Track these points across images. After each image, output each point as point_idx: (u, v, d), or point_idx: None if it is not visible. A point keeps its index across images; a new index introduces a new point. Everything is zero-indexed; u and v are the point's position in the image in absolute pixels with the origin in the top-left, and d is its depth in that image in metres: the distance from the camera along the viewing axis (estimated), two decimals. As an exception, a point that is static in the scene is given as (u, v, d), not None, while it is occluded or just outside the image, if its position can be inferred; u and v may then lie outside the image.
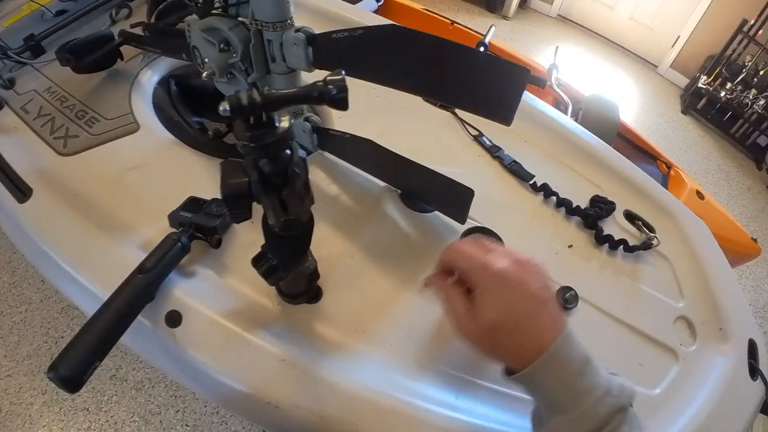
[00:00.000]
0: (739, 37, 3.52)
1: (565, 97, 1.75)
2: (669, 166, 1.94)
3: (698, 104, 3.90)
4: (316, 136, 0.84)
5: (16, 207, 0.77)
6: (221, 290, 0.68)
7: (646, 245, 0.90)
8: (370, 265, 0.75)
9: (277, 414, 0.60)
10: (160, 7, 0.99)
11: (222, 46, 0.71)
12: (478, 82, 0.57)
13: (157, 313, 0.65)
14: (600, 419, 0.48)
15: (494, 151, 0.97)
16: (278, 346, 0.63)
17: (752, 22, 3.44)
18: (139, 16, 1.14)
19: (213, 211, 0.72)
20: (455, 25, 2.28)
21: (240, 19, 0.71)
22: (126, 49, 0.99)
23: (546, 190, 0.92)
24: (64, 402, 1.71)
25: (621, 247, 0.88)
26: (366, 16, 1.21)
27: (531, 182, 0.93)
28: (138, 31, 0.98)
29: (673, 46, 4.22)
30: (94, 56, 0.94)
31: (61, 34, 1.08)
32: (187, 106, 1.00)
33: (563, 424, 0.49)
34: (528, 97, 1.09)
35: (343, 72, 0.41)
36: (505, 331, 0.51)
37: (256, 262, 0.56)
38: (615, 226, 0.93)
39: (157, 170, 0.84)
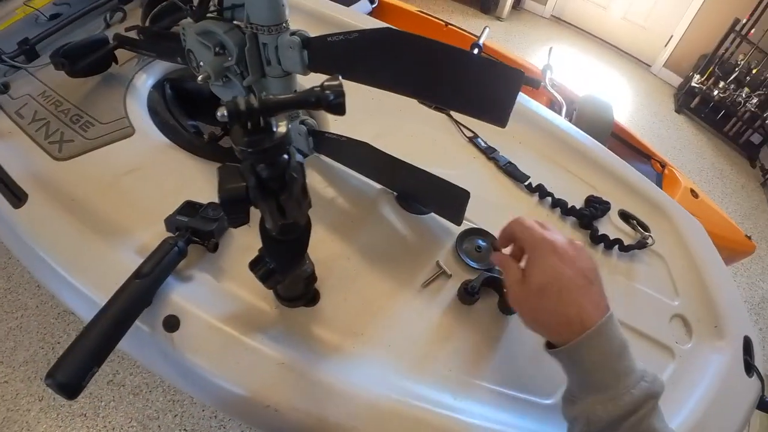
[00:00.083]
0: (732, 36, 3.53)
1: (560, 98, 1.76)
2: (663, 165, 1.95)
3: (692, 103, 3.91)
4: (311, 139, 0.84)
5: (11, 212, 0.77)
6: (219, 294, 0.68)
7: (641, 244, 0.90)
8: (367, 268, 0.76)
9: (275, 417, 0.60)
10: (155, 10, 0.99)
11: (217, 49, 0.71)
12: (473, 85, 0.57)
13: (155, 318, 0.65)
14: (634, 402, 0.50)
15: (489, 153, 0.98)
16: (276, 349, 0.63)
17: (744, 21, 3.45)
18: (134, 20, 1.14)
19: (209, 215, 0.72)
20: (449, 26, 2.28)
21: (235, 22, 0.71)
22: (120, 53, 0.99)
23: (541, 191, 0.92)
24: (61, 408, 1.70)
25: (616, 246, 0.89)
26: (360, 18, 1.21)
27: (526, 183, 0.94)
28: (133, 34, 0.98)
29: (666, 45, 4.24)
30: (89, 60, 0.94)
31: (55, 38, 1.08)
32: (182, 110, 1.00)
33: (598, 403, 0.51)
34: (522, 98, 1.10)
35: (340, 78, 0.41)
36: (551, 295, 0.54)
37: (254, 265, 0.56)
38: (610, 226, 0.94)
39: (152, 174, 0.84)
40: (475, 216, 0.83)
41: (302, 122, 0.84)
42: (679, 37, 4.10)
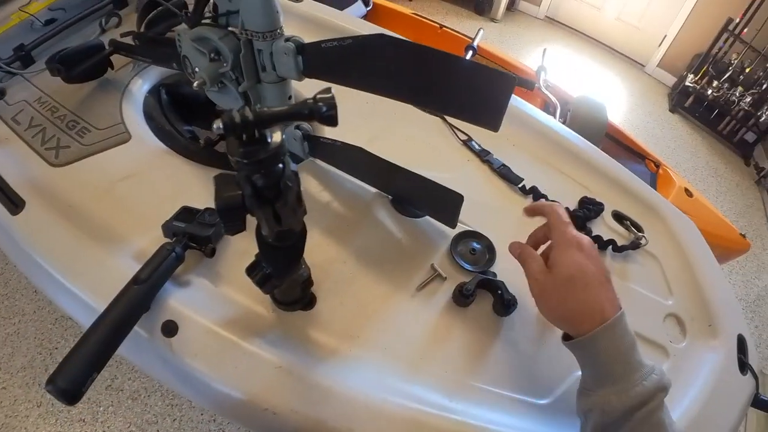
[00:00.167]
0: (725, 35, 3.55)
1: (554, 99, 1.77)
2: (657, 165, 1.96)
3: (686, 102, 3.93)
4: (306, 143, 0.85)
5: (8, 219, 0.77)
6: (216, 299, 0.69)
7: (635, 245, 0.91)
8: (362, 271, 0.76)
9: (274, 420, 0.61)
10: (150, 16, 1.00)
11: (212, 55, 0.72)
12: (465, 90, 0.58)
13: (153, 323, 0.65)
14: (646, 393, 0.53)
15: (483, 156, 0.98)
16: (274, 353, 0.64)
17: (737, 20, 3.47)
18: (129, 25, 1.14)
19: (206, 221, 0.72)
20: (443, 28, 2.29)
21: (230, 28, 0.71)
22: (116, 59, 1.00)
23: (535, 193, 0.93)
24: (60, 414, 1.70)
25: (610, 247, 0.89)
26: (354, 22, 1.22)
27: (520, 185, 0.95)
28: (128, 40, 0.98)
29: (660, 45, 4.25)
30: (85, 66, 0.94)
31: (50, 44, 1.08)
32: (178, 115, 1.01)
33: (612, 394, 0.54)
34: (516, 100, 1.11)
35: (332, 90, 0.41)
36: (578, 287, 0.58)
37: (251, 271, 0.56)
38: (604, 227, 0.94)
39: (149, 180, 0.84)
40: (469, 219, 0.84)
41: (297, 127, 0.84)
42: (673, 37, 4.11)
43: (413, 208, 0.85)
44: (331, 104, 0.41)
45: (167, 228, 0.71)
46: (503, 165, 0.97)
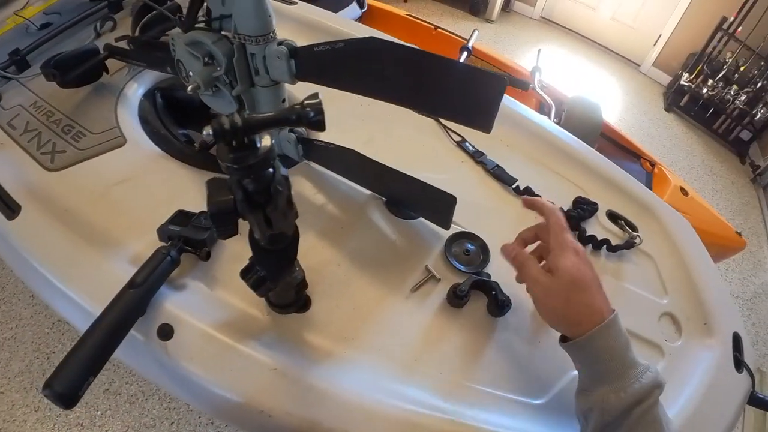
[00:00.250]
0: (719, 34, 3.56)
1: (548, 99, 1.77)
2: (653, 164, 1.96)
3: (681, 101, 3.93)
4: (301, 146, 0.85)
5: (4, 224, 0.77)
6: (211, 302, 0.69)
7: (629, 244, 0.91)
8: (357, 273, 0.76)
9: (269, 422, 0.61)
10: (144, 20, 1.00)
11: (206, 59, 0.72)
12: (457, 92, 0.58)
13: (149, 327, 0.65)
14: (643, 391, 0.54)
15: (477, 157, 0.99)
16: (269, 355, 0.64)
17: (732, 19, 3.48)
18: (124, 29, 1.14)
19: (201, 224, 0.72)
20: (438, 30, 2.30)
21: (223, 33, 0.71)
22: (111, 63, 1.00)
23: (529, 194, 0.93)
24: (57, 418, 1.70)
25: (604, 246, 0.90)
26: (348, 25, 1.22)
27: (514, 186, 0.95)
28: (123, 44, 0.98)
29: (654, 44, 4.26)
30: (80, 70, 0.94)
31: (46, 48, 1.08)
32: (173, 119, 1.01)
33: (611, 392, 0.55)
34: (510, 101, 1.11)
35: (320, 96, 0.42)
36: (579, 290, 0.60)
37: (245, 274, 0.57)
38: (598, 227, 0.94)
39: (144, 184, 0.84)
40: (463, 220, 0.85)
41: (291, 130, 0.84)
42: (668, 37, 4.12)
43: (407, 210, 0.85)
44: (318, 109, 0.41)
45: (162, 232, 0.72)
46: (497, 166, 0.97)
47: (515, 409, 0.68)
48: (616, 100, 4.07)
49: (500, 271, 0.77)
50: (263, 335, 0.66)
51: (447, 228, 0.80)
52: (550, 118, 1.70)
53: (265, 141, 0.40)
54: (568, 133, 1.10)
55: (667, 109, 4.04)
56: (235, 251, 0.75)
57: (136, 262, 0.66)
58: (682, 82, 3.83)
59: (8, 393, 1.73)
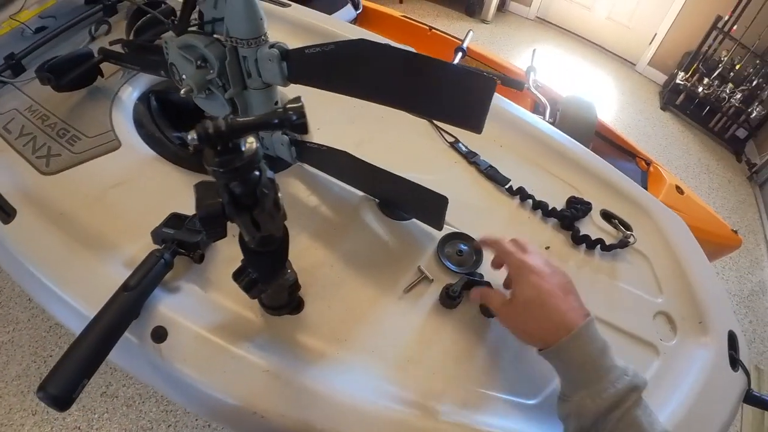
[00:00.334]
0: (714, 33, 3.56)
1: (543, 99, 1.77)
2: (648, 163, 1.97)
3: (677, 100, 3.95)
4: (294, 148, 0.85)
5: (0, 228, 0.77)
6: (205, 305, 0.69)
7: (623, 243, 0.91)
8: (350, 274, 0.77)
9: (263, 424, 0.61)
10: (138, 23, 1.00)
11: (199, 62, 0.72)
12: (447, 93, 0.59)
13: (143, 330, 0.65)
14: (618, 395, 0.55)
15: (470, 157, 0.99)
16: (262, 357, 0.64)
17: (726, 17, 3.49)
18: (119, 33, 1.14)
19: (195, 227, 0.72)
20: (433, 31, 2.30)
21: (215, 36, 0.72)
22: (106, 66, 1.00)
23: (522, 194, 0.94)
24: (55, 421, 1.70)
25: (598, 246, 0.90)
26: (342, 27, 1.22)
27: (507, 186, 0.95)
28: (117, 48, 0.98)
29: (650, 43, 4.27)
30: (74, 74, 0.94)
31: (41, 52, 1.09)
32: (167, 122, 1.01)
33: (587, 397, 0.57)
34: (503, 101, 1.11)
35: (302, 99, 0.42)
36: (535, 307, 0.62)
37: (237, 276, 0.57)
38: (592, 226, 0.94)
39: (139, 187, 0.84)
40: (456, 220, 0.85)
41: (284, 132, 0.85)
42: (663, 36, 4.13)
43: (400, 211, 0.85)
44: (301, 113, 0.42)
45: (156, 235, 0.72)
46: (490, 166, 0.98)
47: (508, 409, 0.68)
48: (612, 100, 4.08)
49: (493, 271, 0.77)
50: (256, 337, 0.67)
51: (439, 229, 0.81)
52: (545, 117, 1.70)
53: (250, 144, 0.40)
54: (561, 132, 1.11)
55: (663, 108, 4.05)
56: (229, 254, 0.75)
57: (131, 265, 0.67)
58: (677, 81, 3.84)
59: (6, 397, 1.73)
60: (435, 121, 1.05)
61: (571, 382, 0.60)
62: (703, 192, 3.30)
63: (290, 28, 1.20)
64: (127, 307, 0.61)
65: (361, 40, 0.60)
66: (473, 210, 0.90)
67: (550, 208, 0.92)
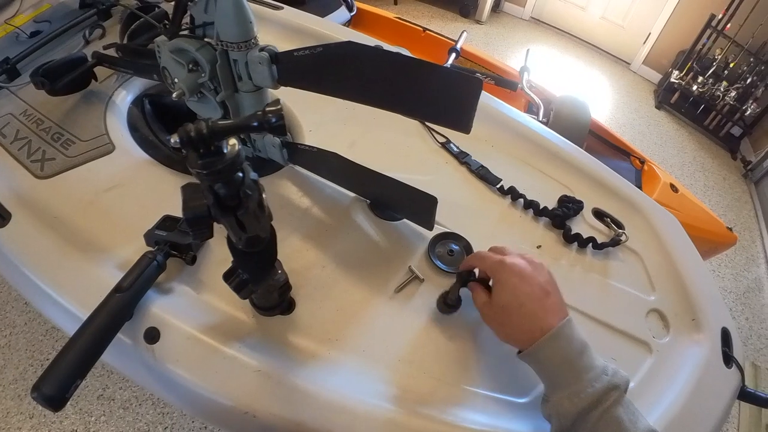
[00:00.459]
0: (708, 31, 3.59)
1: (537, 99, 1.78)
2: (642, 162, 1.98)
3: (671, 99, 3.96)
4: (285, 150, 0.86)
5: (-5, 232, 0.77)
6: (197, 306, 0.70)
7: (615, 241, 0.91)
8: (341, 275, 0.77)
9: (254, 423, 0.62)
10: (132, 27, 1.01)
11: (190, 66, 0.73)
12: (435, 95, 0.59)
13: (136, 331, 0.66)
14: (597, 395, 0.55)
15: (462, 158, 0.99)
16: (254, 357, 0.65)
17: (720, 16, 3.51)
18: (113, 37, 1.15)
19: (186, 229, 0.73)
20: (427, 32, 2.31)
21: (207, 39, 0.72)
22: (100, 70, 1.00)
23: (513, 193, 0.94)
24: (52, 425, 1.70)
25: (590, 244, 0.90)
26: (334, 29, 1.23)
27: (498, 186, 0.95)
28: (111, 52, 0.99)
29: (644, 43, 4.29)
30: (68, 78, 0.95)
31: (35, 56, 1.09)
32: (161, 125, 1.01)
33: (565, 398, 0.57)
34: (494, 101, 1.12)
35: (281, 103, 0.43)
36: (512, 310, 0.62)
37: (227, 277, 0.57)
38: (584, 225, 0.95)
39: (133, 190, 0.85)
40: (447, 220, 0.86)
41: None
42: (657, 35, 4.15)
43: (391, 212, 0.86)
44: (279, 115, 0.43)
45: (149, 237, 0.72)
46: (481, 166, 0.98)
47: (499, 407, 0.68)
48: (606, 99, 4.09)
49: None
50: (248, 337, 0.67)
51: (430, 229, 0.81)
52: (538, 117, 1.71)
53: (232, 146, 0.41)
54: (553, 132, 1.11)
55: (658, 107, 4.06)
56: (221, 255, 0.75)
57: (125, 267, 0.67)
58: (672, 80, 3.86)
59: (3, 401, 1.73)
60: (426, 122, 1.06)
61: (550, 383, 0.61)
62: (698, 190, 3.31)
63: (282, 30, 1.20)
64: (120, 308, 0.62)
65: (349, 43, 0.60)
66: (464, 210, 0.91)
67: (541, 207, 0.92)
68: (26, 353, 1.85)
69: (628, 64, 4.52)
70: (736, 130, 3.77)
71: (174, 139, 0.38)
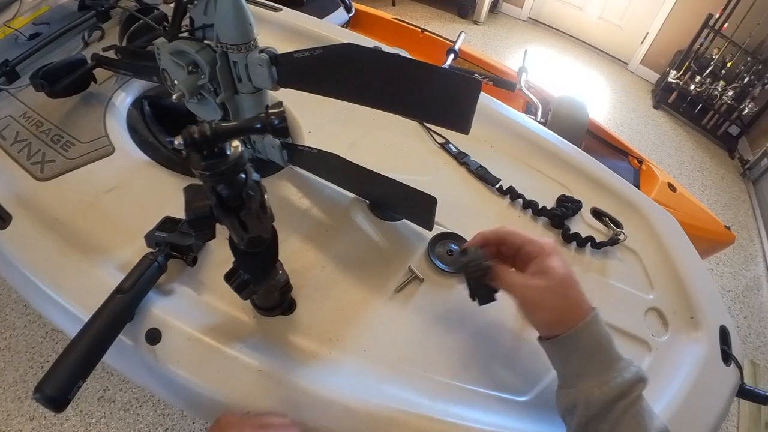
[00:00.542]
0: (706, 31, 3.59)
1: (535, 100, 1.78)
2: (640, 161, 1.98)
3: (669, 98, 3.96)
4: (285, 152, 0.86)
5: (-4, 234, 0.78)
6: (198, 307, 0.70)
7: (614, 240, 0.91)
8: (341, 275, 0.77)
9: (256, 423, 0.62)
10: (131, 29, 1.01)
11: (190, 68, 0.73)
12: (434, 96, 0.59)
13: (138, 332, 0.66)
14: (626, 384, 0.55)
15: (461, 158, 1.00)
16: (255, 357, 0.65)
17: (717, 16, 3.51)
18: (112, 39, 1.15)
19: (188, 230, 0.73)
20: (425, 33, 2.31)
21: (206, 41, 0.72)
22: (99, 72, 1.01)
23: (512, 193, 0.94)
24: (53, 426, 1.70)
25: (589, 244, 0.90)
26: (332, 30, 1.23)
27: (497, 186, 0.96)
28: (110, 54, 0.99)
29: (642, 43, 4.29)
30: (68, 81, 0.95)
31: (35, 59, 1.09)
32: (160, 127, 1.01)
33: (595, 386, 0.56)
34: (493, 102, 1.12)
35: (284, 105, 0.43)
36: (569, 287, 0.61)
37: (228, 277, 0.58)
38: (582, 224, 0.95)
39: (133, 191, 0.85)
40: (446, 220, 0.86)
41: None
42: (655, 34, 4.16)
43: (390, 212, 0.86)
44: (282, 117, 0.43)
45: (150, 238, 0.73)
46: (480, 166, 0.98)
47: (500, 406, 0.68)
48: (604, 99, 4.09)
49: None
50: (249, 338, 0.67)
51: (429, 229, 0.81)
52: (536, 118, 1.71)
53: (235, 148, 0.41)
54: (551, 132, 1.11)
55: (656, 107, 4.07)
56: (222, 256, 0.76)
57: (125, 269, 0.67)
58: (669, 80, 3.86)
59: (3, 403, 1.73)
60: (425, 123, 1.06)
61: (577, 371, 0.59)
62: (696, 189, 3.32)
63: (281, 32, 1.21)
64: (121, 309, 0.62)
65: (348, 44, 0.61)
66: (463, 210, 0.91)
67: (540, 207, 0.93)
68: (26, 355, 1.85)
69: (626, 64, 4.52)
70: (734, 130, 3.77)
71: (178, 141, 0.38)
